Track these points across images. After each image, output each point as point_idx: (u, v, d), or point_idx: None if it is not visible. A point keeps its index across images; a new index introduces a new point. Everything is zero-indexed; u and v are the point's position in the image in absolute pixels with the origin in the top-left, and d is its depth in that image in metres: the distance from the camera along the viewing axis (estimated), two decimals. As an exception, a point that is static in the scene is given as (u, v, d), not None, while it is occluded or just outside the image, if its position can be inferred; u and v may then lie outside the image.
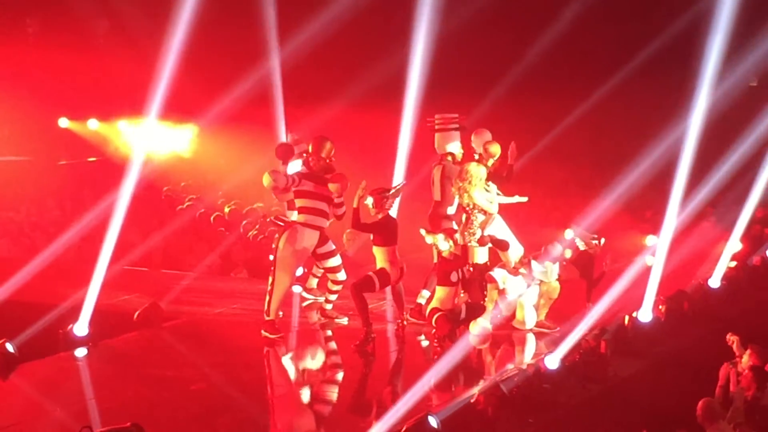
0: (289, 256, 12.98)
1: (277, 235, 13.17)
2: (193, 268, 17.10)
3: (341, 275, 13.58)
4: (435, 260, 13.48)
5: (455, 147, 13.94)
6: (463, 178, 13.31)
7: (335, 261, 13.51)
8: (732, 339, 11.64)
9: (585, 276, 14.04)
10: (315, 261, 13.61)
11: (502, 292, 13.25)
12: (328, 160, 13.16)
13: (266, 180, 13.15)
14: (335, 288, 13.63)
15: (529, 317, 13.36)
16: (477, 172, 13.33)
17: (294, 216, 13.44)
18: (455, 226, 13.58)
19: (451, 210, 13.74)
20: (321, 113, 19.00)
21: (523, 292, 13.28)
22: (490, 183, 13.58)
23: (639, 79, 22.07)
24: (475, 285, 13.55)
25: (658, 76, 22.71)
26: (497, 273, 13.25)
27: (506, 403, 10.63)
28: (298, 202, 13.12)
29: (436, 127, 14.03)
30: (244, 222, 17.56)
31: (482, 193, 13.35)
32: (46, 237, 18.45)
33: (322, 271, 13.83)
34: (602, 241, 13.97)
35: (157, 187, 22.16)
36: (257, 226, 15.67)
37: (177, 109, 23.39)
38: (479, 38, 21.86)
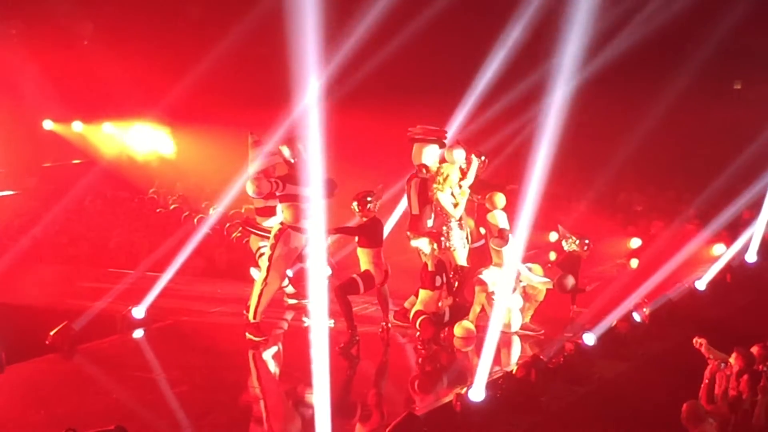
0: (281, 258, 13.00)
1: (268, 242, 13.18)
2: (178, 270, 17.06)
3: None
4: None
5: (431, 160, 13.75)
6: (436, 179, 13.40)
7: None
8: (699, 342, 11.57)
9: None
10: (300, 261, 13.61)
11: (489, 295, 13.27)
12: (306, 158, 13.27)
13: (250, 187, 13.17)
14: None
15: (514, 320, 13.37)
16: (449, 171, 13.39)
17: (268, 223, 13.52)
18: None
19: (429, 223, 13.68)
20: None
21: (510, 295, 13.31)
22: (462, 185, 13.62)
23: (626, 80, 22.13)
24: (460, 287, 13.59)
25: (646, 77, 22.78)
26: (487, 275, 13.25)
27: (486, 405, 10.68)
28: (284, 207, 13.12)
29: (416, 136, 13.96)
30: (228, 224, 17.53)
31: (447, 195, 13.40)
32: (31, 239, 18.38)
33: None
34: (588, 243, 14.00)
35: (142, 190, 22.12)
36: (240, 229, 15.63)
37: (160, 111, 23.42)
38: (466, 40, 21.88)
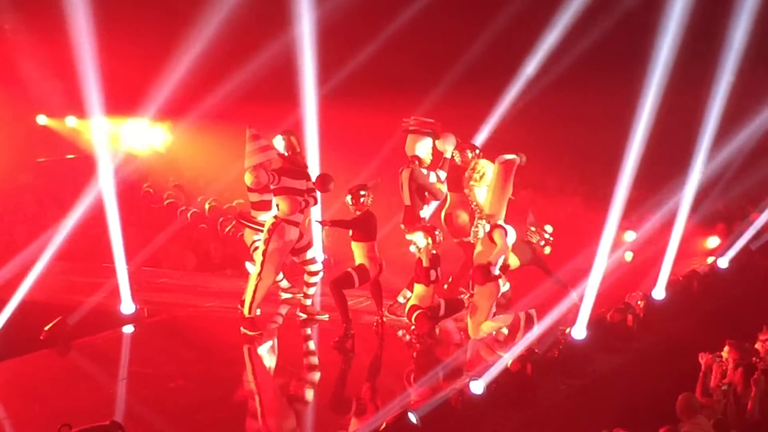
0: (276, 252, 13.00)
1: (263, 236, 13.15)
2: (172, 265, 17.06)
3: (317, 266, 13.75)
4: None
5: (424, 152, 13.83)
6: (472, 176, 13.48)
7: (311, 253, 13.72)
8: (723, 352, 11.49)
9: (536, 264, 13.80)
10: (292, 255, 13.61)
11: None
12: (299, 151, 13.30)
13: (248, 178, 13.16)
14: (312, 280, 13.71)
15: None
16: (485, 169, 13.46)
17: (263, 216, 13.49)
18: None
19: (423, 213, 13.70)
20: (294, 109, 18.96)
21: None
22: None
23: (620, 72, 22.05)
24: (456, 281, 13.63)
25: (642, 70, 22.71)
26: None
27: (481, 399, 10.67)
28: (279, 199, 13.12)
29: (410, 128, 13.99)
30: (221, 219, 17.51)
31: (483, 192, 13.46)
32: (25, 234, 18.35)
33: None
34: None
35: (137, 185, 22.07)
36: (234, 223, 15.61)
37: (155, 106, 23.35)
38: (456, 31, 21.90)
